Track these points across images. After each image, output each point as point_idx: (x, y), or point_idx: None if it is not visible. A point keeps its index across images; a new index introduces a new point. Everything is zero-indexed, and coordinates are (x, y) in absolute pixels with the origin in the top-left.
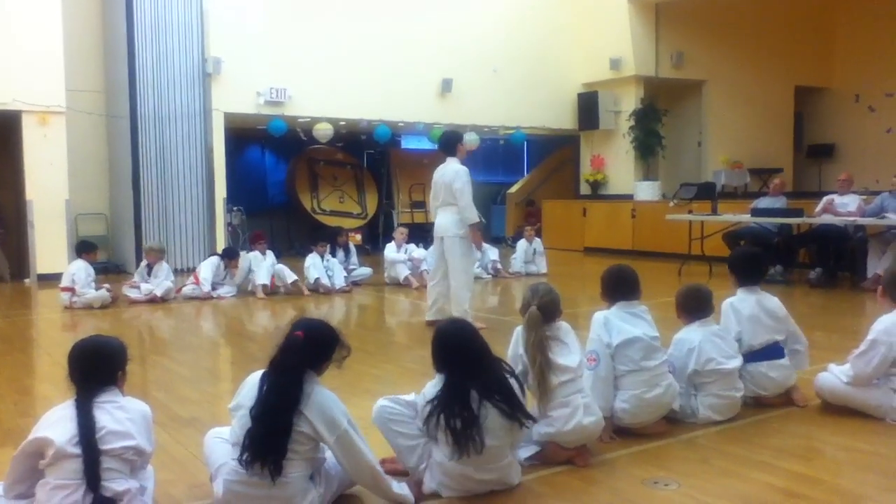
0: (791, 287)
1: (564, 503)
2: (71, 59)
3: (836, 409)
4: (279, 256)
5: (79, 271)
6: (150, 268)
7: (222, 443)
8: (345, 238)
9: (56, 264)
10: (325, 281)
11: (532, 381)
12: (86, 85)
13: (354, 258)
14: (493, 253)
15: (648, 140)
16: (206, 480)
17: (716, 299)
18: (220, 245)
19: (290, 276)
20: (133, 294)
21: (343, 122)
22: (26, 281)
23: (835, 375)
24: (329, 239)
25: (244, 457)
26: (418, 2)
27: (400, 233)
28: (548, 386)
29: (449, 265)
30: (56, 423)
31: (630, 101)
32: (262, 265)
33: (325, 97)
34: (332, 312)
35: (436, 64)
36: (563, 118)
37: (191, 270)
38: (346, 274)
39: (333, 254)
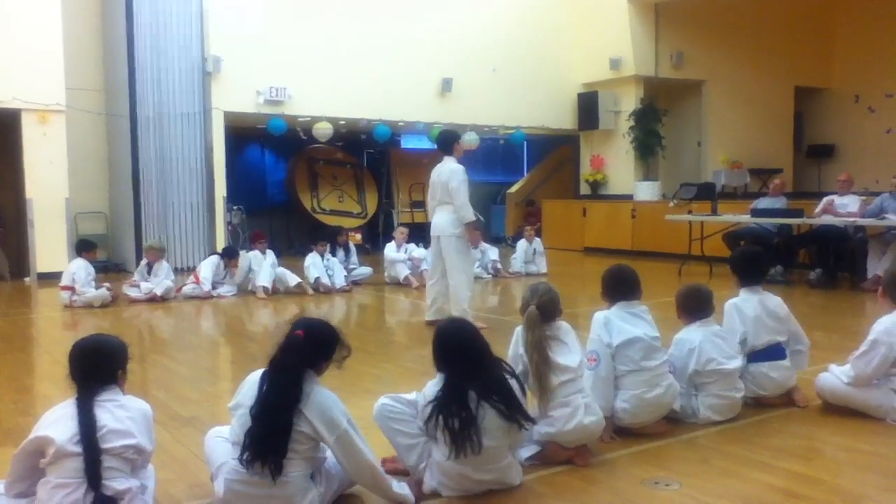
0: (791, 287)
1: (564, 503)
2: (71, 57)
3: (837, 410)
4: (279, 256)
5: (79, 270)
6: (150, 267)
7: (223, 442)
8: (345, 237)
9: (56, 263)
10: (325, 280)
11: (532, 381)
12: (85, 84)
13: (354, 258)
14: (493, 253)
15: (648, 140)
16: (206, 479)
17: (716, 299)
18: (220, 244)
19: (293, 280)
20: (133, 293)
21: (343, 122)
22: (26, 280)
23: (835, 376)
24: (329, 238)
25: (244, 456)
26: (418, 2)
27: (400, 232)
28: (548, 385)
29: (446, 264)
30: (57, 422)
31: (630, 101)
32: (263, 265)
33: (325, 96)
34: (332, 312)
35: (435, 63)
36: (562, 118)
37: (191, 269)
38: (346, 273)
39: (333, 253)
